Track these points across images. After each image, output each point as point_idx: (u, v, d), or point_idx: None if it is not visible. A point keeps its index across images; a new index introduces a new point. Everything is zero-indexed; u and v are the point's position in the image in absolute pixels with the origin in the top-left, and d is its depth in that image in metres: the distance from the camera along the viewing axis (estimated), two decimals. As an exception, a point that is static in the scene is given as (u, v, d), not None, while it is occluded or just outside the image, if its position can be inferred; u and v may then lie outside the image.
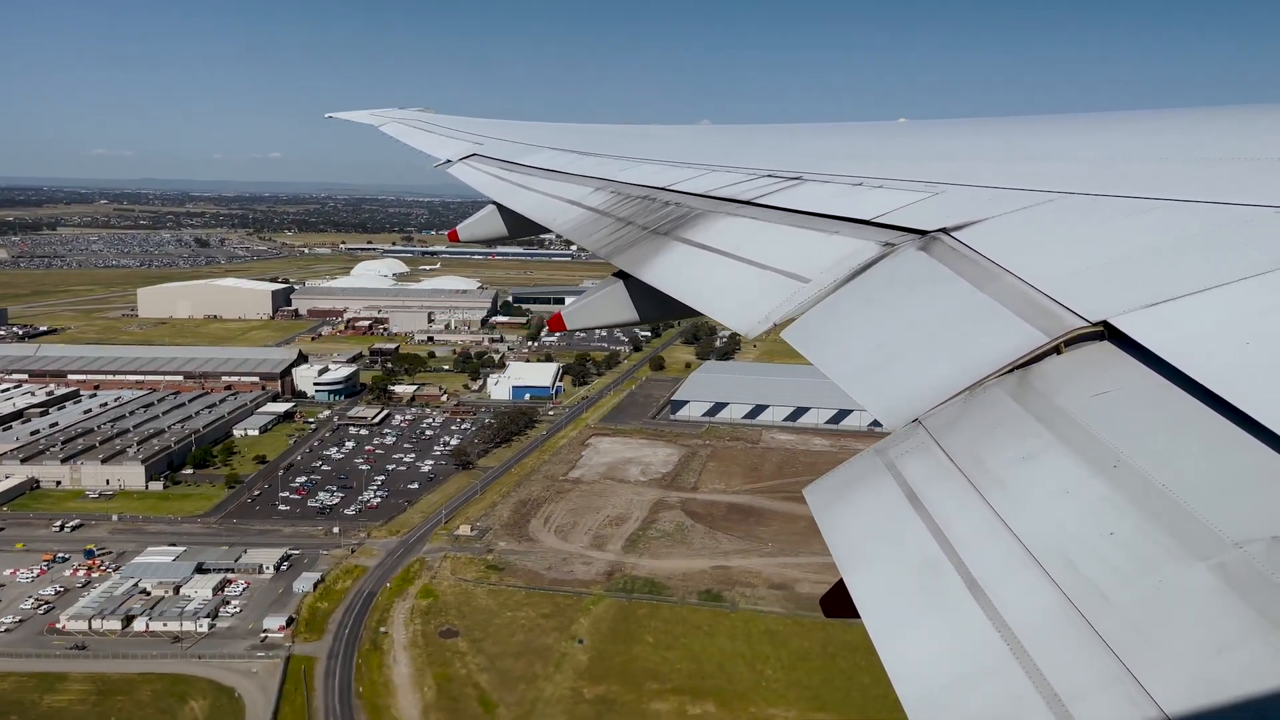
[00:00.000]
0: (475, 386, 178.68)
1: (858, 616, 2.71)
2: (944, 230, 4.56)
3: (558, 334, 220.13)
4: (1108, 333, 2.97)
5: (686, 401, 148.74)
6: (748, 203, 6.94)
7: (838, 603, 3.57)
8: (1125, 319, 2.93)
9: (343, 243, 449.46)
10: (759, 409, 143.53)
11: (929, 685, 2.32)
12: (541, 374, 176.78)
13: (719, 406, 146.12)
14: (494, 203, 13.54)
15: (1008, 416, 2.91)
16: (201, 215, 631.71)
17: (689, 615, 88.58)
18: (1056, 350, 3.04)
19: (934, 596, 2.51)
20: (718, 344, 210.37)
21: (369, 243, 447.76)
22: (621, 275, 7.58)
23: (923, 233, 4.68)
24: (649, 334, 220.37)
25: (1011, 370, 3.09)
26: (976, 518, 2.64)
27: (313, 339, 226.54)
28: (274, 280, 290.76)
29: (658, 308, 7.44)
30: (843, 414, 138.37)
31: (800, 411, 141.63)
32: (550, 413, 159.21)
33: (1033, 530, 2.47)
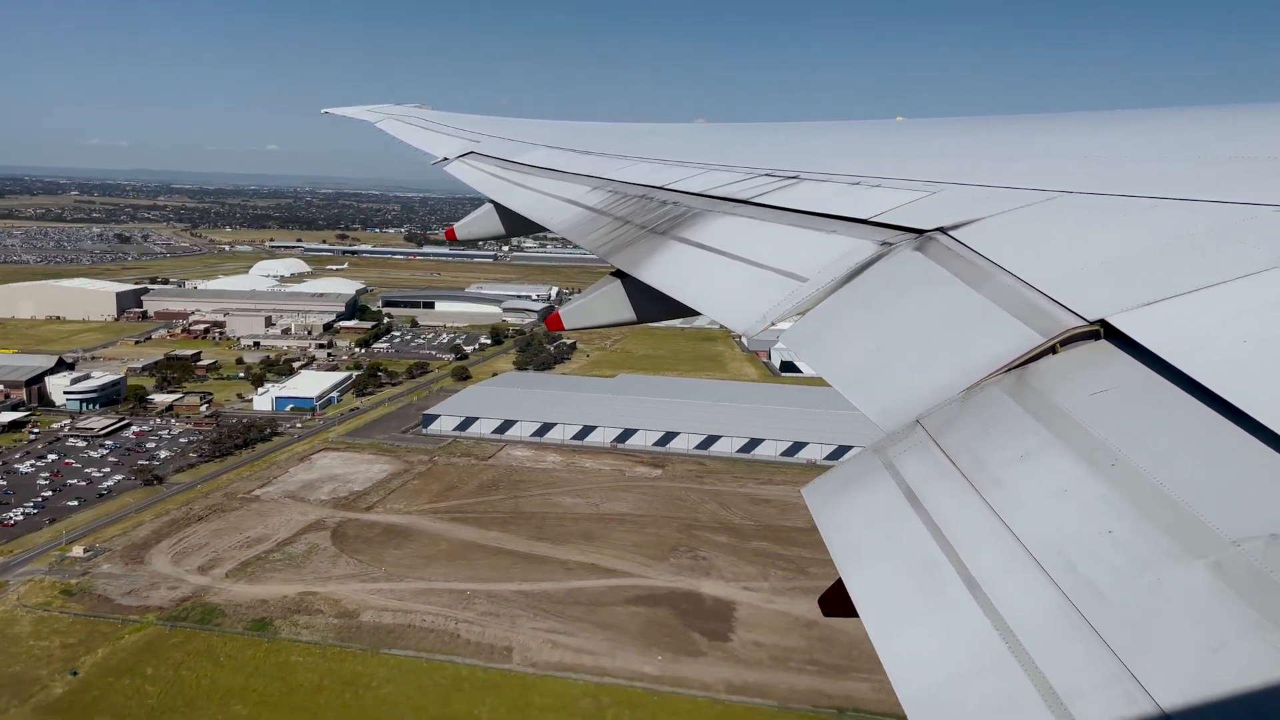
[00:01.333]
0: (250, 396, 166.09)
1: (856, 615, 2.72)
2: (941, 229, 4.56)
3: (388, 342, 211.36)
4: (1105, 331, 2.97)
5: (438, 416, 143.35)
6: (746, 201, 6.95)
7: (836, 602, 3.58)
8: (1123, 317, 2.94)
9: (271, 239, 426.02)
10: (507, 424, 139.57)
11: (927, 684, 2.32)
12: (314, 384, 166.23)
13: (469, 421, 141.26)
14: (491, 201, 13.54)
15: (1006, 415, 2.91)
16: (162, 209, 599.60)
17: (220, 645, 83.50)
18: (1054, 349, 3.05)
19: (932, 595, 2.52)
20: (545, 354, 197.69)
21: (298, 240, 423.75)
22: (619, 274, 7.59)
23: (920, 232, 4.69)
24: (490, 341, 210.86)
25: (1010, 370, 3.09)
26: (975, 516, 2.65)
27: (136, 343, 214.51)
28: (153, 280, 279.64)
29: (655, 307, 7.45)
30: (587, 430, 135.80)
31: (547, 427, 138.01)
32: (298, 425, 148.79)
33: (1031, 529, 2.48)
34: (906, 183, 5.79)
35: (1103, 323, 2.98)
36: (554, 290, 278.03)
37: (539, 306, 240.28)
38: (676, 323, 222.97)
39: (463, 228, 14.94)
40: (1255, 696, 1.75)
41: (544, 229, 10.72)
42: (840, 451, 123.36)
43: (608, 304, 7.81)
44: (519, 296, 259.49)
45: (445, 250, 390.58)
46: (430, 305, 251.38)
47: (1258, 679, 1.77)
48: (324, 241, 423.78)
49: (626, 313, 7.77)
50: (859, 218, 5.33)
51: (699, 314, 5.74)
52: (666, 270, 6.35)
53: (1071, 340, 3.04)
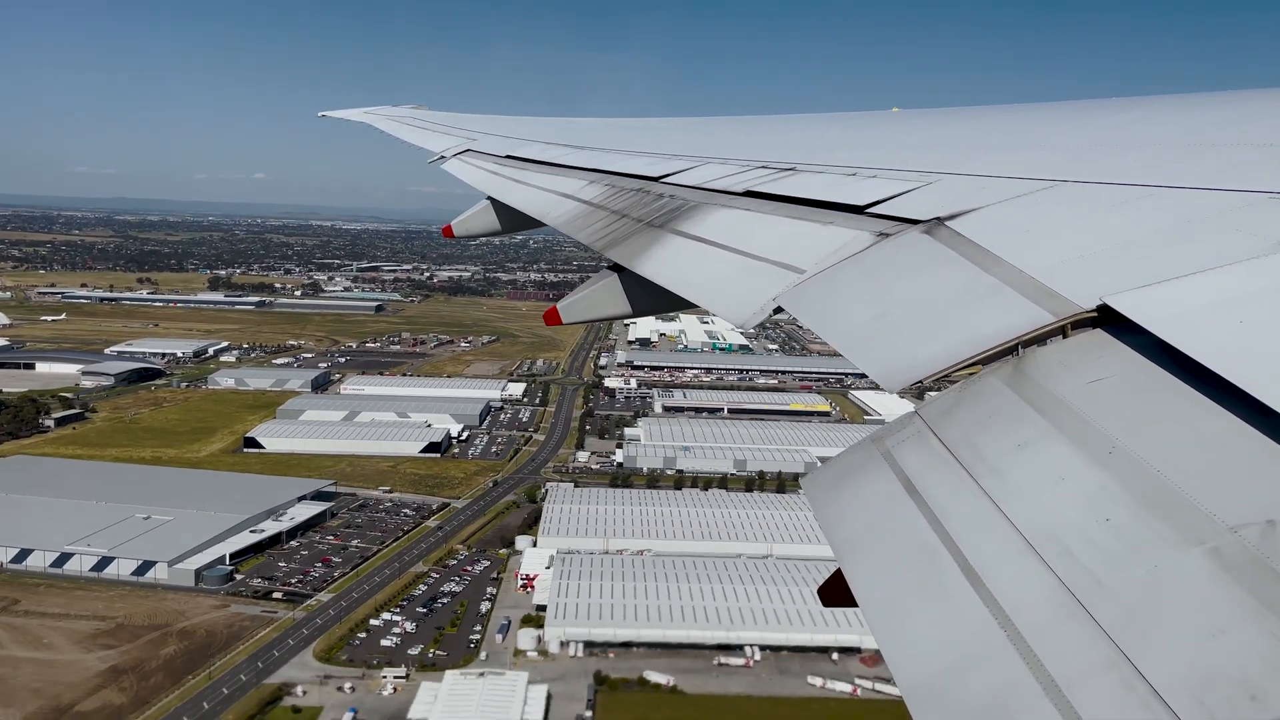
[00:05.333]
0: None
1: (855, 605, 2.72)
2: (939, 219, 4.55)
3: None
4: (1102, 319, 2.97)
5: None
6: (742, 194, 6.94)
7: (835, 592, 3.58)
8: (1120, 299, 2.94)
9: (52, 284, 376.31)
10: None
11: (926, 671, 2.32)
12: None
13: None
14: (488, 198, 13.52)
15: (1003, 405, 2.91)
16: (42, 245, 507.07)
17: None
18: (1048, 336, 3.04)
19: (931, 584, 2.52)
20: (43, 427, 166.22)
21: (83, 284, 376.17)
22: (616, 268, 7.57)
23: (917, 222, 4.68)
24: (67, 396, 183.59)
25: (1006, 351, 3.09)
26: (973, 506, 2.65)
27: None
28: None
29: (652, 300, 7.43)
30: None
31: None
32: None
33: (1029, 517, 2.48)
34: (903, 173, 5.78)
35: (1101, 307, 2.98)
36: (221, 345, 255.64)
37: (120, 369, 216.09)
38: (258, 384, 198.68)
39: (460, 224, 14.90)
40: (1253, 683, 1.75)
41: (541, 224, 10.71)
42: (62, 559, 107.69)
43: (604, 298, 7.80)
44: (117, 356, 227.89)
45: (218, 297, 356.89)
46: (31, 366, 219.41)
47: (1255, 666, 1.77)
48: (111, 287, 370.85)
49: (622, 306, 7.76)
50: (856, 207, 5.32)
51: (695, 306, 5.73)
52: (663, 263, 6.33)
53: (1069, 327, 3.03)
